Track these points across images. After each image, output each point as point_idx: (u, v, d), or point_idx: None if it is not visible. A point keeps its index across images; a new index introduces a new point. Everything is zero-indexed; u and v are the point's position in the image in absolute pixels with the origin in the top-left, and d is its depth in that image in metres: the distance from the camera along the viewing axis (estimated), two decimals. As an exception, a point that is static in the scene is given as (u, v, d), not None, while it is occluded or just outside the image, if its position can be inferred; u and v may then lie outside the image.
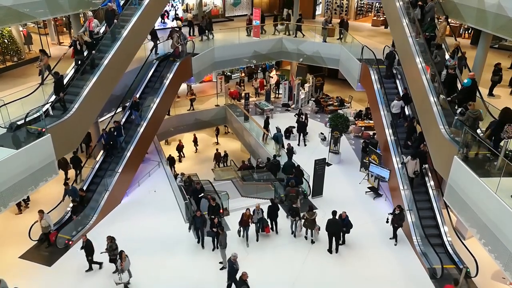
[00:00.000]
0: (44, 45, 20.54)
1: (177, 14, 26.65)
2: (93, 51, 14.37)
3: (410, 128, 15.27)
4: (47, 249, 12.92)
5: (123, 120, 16.74)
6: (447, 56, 13.78)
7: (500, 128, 9.80)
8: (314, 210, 13.60)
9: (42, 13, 14.85)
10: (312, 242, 13.61)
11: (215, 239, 12.88)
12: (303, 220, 13.61)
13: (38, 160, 11.23)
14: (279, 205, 14.31)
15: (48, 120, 12.20)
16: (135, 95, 17.16)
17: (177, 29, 19.02)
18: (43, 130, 11.41)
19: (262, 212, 13.44)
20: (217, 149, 23.21)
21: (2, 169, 10.14)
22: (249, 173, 18.61)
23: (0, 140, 10.92)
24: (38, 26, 23.34)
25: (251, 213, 13.28)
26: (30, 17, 14.66)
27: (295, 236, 13.92)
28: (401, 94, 16.12)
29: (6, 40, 19.01)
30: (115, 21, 15.16)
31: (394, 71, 17.75)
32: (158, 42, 18.87)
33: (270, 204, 13.91)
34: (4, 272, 11.95)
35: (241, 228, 13.29)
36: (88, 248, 11.89)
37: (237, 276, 10.85)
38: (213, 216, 12.96)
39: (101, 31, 15.34)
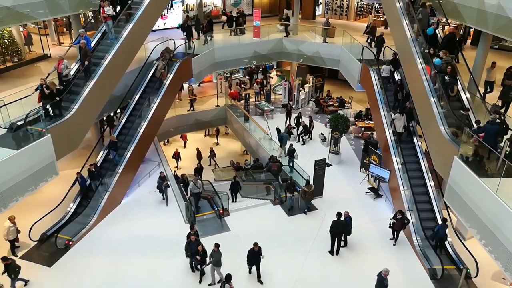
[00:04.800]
0: (44, 45, 20.58)
1: (224, 10, 27.09)
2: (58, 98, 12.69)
3: (399, 88, 16.42)
4: (47, 249, 12.89)
5: (101, 160, 15.64)
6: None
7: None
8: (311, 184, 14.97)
9: (42, 13, 14.85)
10: (305, 213, 14.90)
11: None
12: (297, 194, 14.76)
13: (38, 160, 11.22)
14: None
15: (48, 120, 12.20)
16: (113, 134, 15.78)
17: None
18: (43, 130, 11.41)
19: None
20: (197, 148, 22.50)
21: (2, 169, 10.13)
22: (244, 173, 19.00)
23: (0, 141, 10.89)
24: (39, 26, 23.35)
25: None
26: (31, 17, 14.66)
27: (292, 209, 15.12)
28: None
29: (6, 41, 19.02)
30: (86, 62, 13.76)
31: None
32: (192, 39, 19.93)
33: (233, 181, 16.08)
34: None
35: None
36: (13, 269, 10.95)
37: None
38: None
39: (71, 73, 13.84)
